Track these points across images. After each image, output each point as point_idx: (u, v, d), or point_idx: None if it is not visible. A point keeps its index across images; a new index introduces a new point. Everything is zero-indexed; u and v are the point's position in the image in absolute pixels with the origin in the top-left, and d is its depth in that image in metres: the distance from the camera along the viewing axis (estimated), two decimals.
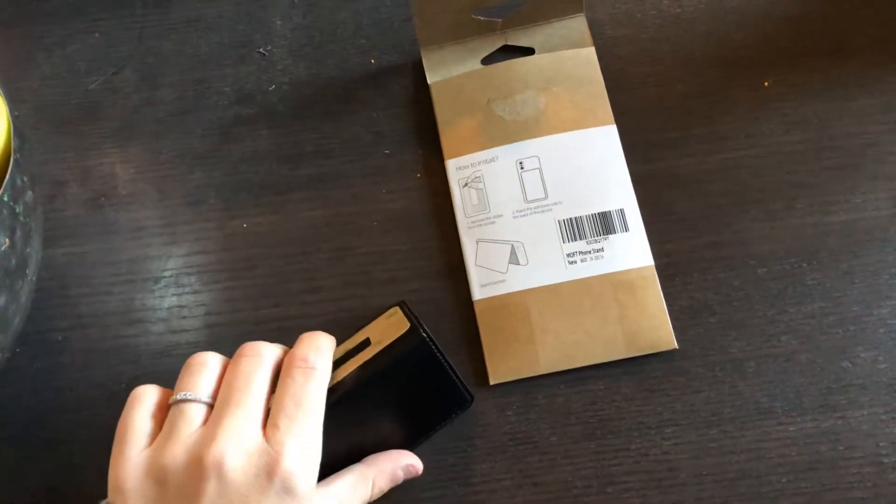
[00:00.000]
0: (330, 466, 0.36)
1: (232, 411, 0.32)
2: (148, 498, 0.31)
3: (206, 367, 0.34)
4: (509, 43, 0.50)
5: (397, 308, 0.42)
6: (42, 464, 0.42)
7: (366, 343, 0.40)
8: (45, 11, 0.53)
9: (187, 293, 0.46)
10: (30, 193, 0.39)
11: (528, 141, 0.46)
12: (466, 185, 0.46)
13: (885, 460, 0.40)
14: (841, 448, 0.40)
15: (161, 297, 0.46)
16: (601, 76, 0.48)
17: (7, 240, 0.36)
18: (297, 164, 0.48)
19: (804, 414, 0.41)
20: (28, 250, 0.39)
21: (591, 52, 0.49)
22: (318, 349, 0.36)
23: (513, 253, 0.44)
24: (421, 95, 0.49)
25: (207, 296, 0.46)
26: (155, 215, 0.48)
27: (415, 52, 0.50)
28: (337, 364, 0.39)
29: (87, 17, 0.53)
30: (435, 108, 0.48)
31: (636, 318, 0.43)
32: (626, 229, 0.44)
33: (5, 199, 0.36)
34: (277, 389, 0.34)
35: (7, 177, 0.36)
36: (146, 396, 0.34)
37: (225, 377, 0.34)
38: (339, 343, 0.42)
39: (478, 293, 0.44)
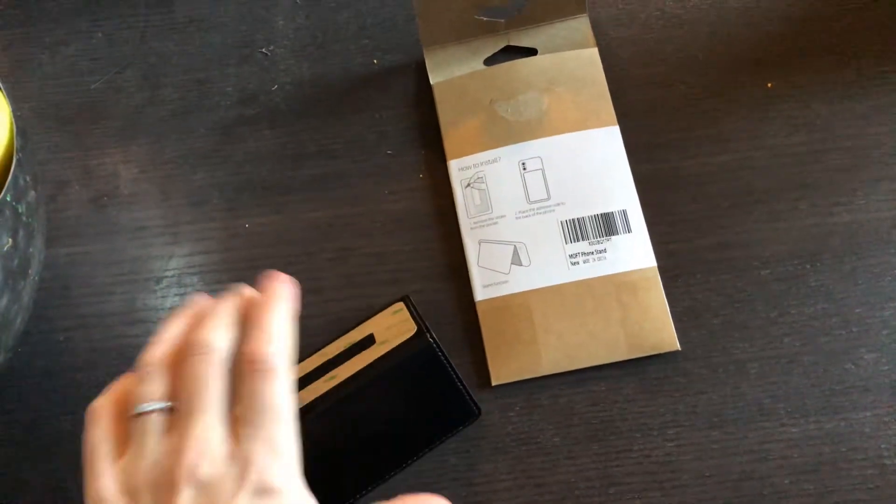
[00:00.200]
0: (329, 466, 0.36)
1: (195, 419, 0.31)
2: None
3: (154, 367, 0.33)
4: (512, 43, 0.50)
5: (402, 304, 0.42)
6: (44, 464, 0.42)
7: (370, 339, 0.40)
8: (47, 11, 0.53)
9: (190, 293, 0.46)
10: (32, 193, 0.39)
11: (531, 142, 0.46)
12: (469, 185, 0.46)
13: (888, 462, 0.40)
14: (843, 450, 0.40)
15: (163, 297, 0.46)
16: (604, 77, 0.48)
17: (10, 240, 0.36)
18: (299, 165, 0.48)
19: (807, 416, 0.41)
20: (31, 250, 0.39)
21: (593, 52, 0.49)
22: (272, 339, 0.32)
23: (515, 254, 0.44)
24: (424, 96, 0.49)
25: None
26: (157, 215, 0.48)
27: (418, 52, 0.50)
28: (340, 359, 0.39)
29: (90, 17, 0.53)
30: (437, 108, 0.48)
31: (639, 319, 0.43)
32: (629, 230, 0.44)
33: (8, 199, 0.36)
34: (236, 393, 0.33)
35: (10, 177, 0.36)
36: (103, 412, 0.33)
37: (181, 378, 0.33)
38: (341, 335, 0.42)
39: (480, 294, 0.44)
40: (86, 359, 0.44)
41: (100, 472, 0.32)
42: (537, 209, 0.45)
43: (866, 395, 0.41)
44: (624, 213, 0.45)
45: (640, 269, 0.43)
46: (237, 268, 0.46)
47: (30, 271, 0.39)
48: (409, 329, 0.38)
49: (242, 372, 0.32)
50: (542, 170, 0.46)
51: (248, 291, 0.34)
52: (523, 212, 0.45)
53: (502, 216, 0.45)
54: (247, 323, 0.33)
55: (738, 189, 0.46)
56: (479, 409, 0.40)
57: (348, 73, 0.51)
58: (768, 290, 0.44)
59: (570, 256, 0.44)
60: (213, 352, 0.32)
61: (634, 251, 0.44)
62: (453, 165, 0.47)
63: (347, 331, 0.43)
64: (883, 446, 0.40)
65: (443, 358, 0.38)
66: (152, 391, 0.33)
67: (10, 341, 0.40)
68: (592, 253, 0.44)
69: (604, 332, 0.42)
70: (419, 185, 0.47)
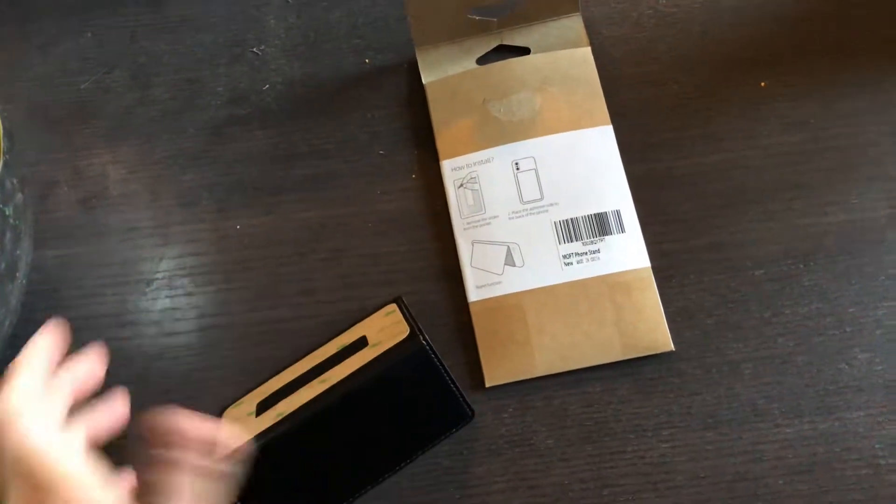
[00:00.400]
0: (322, 469, 0.36)
1: None
2: None
3: None
4: (505, 43, 0.49)
5: (395, 306, 0.41)
6: None
7: (362, 342, 0.40)
8: (37, 10, 0.53)
9: (180, 295, 0.45)
10: (20, 196, 0.38)
11: (524, 141, 0.46)
12: (462, 185, 0.46)
13: (882, 462, 0.40)
14: (838, 450, 0.40)
15: (154, 299, 0.45)
16: (597, 76, 0.48)
17: None
18: (291, 165, 0.48)
19: (801, 416, 0.41)
20: (18, 252, 0.38)
21: (587, 51, 0.48)
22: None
23: (508, 254, 0.44)
24: (416, 95, 0.49)
25: (201, 298, 0.45)
26: (147, 216, 0.47)
27: (410, 51, 0.50)
28: (333, 361, 0.39)
29: (80, 16, 0.53)
30: (430, 108, 0.48)
31: (632, 319, 0.42)
32: (623, 230, 0.44)
33: None
34: None
35: None
36: None
37: None
38: (334, 337, 0.42)
39: (473, 295, 0.44)
40: None
41: None
42: (530, 209, 0.45)
43: (860, 395, 0.41)
44: (617, 213, 0.44)
45: (634, 270, 0.43)
46: (228, 269, 0.46)
47: (17, 274, 0.39)
48: (401, 331, 0.38)
49: None
50: (536, 170, 0.45)
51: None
52: (516, 212, 0.45)
53: (495, 216, 0.45)
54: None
55: (732, 189, 0.46)
56: (472, 411, 0.40)
57: (340, 72, 0.50)
58: (762, 290, 0.43)
59: (564, 257, 0.44)
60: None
61: (628, 251, 0.44)
62: (446, 165, 0.47)
63: (340, 333, 0.42)
64: (877, 446, 0.40)
65: (436, 360, 0.38)
66: None
67: None
68: (586, 253, 0.44)
69: (597, 332, 0.42)
70: (412, 186, 0.47)
